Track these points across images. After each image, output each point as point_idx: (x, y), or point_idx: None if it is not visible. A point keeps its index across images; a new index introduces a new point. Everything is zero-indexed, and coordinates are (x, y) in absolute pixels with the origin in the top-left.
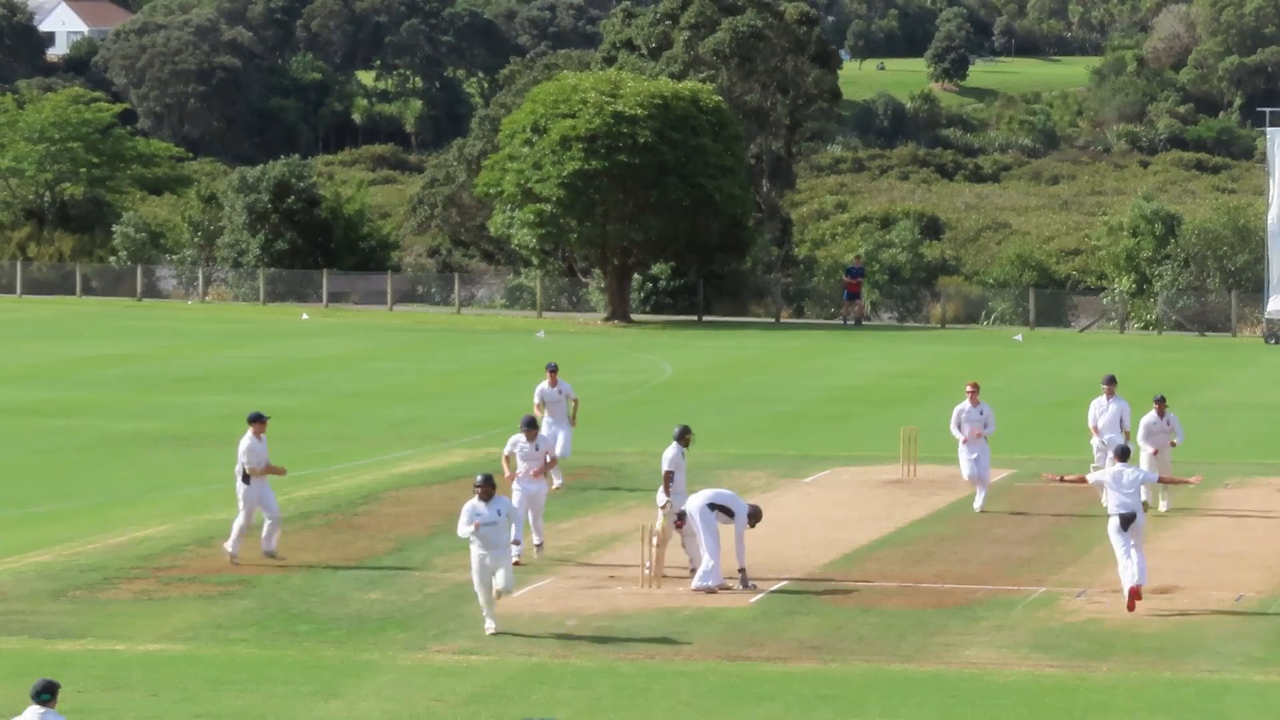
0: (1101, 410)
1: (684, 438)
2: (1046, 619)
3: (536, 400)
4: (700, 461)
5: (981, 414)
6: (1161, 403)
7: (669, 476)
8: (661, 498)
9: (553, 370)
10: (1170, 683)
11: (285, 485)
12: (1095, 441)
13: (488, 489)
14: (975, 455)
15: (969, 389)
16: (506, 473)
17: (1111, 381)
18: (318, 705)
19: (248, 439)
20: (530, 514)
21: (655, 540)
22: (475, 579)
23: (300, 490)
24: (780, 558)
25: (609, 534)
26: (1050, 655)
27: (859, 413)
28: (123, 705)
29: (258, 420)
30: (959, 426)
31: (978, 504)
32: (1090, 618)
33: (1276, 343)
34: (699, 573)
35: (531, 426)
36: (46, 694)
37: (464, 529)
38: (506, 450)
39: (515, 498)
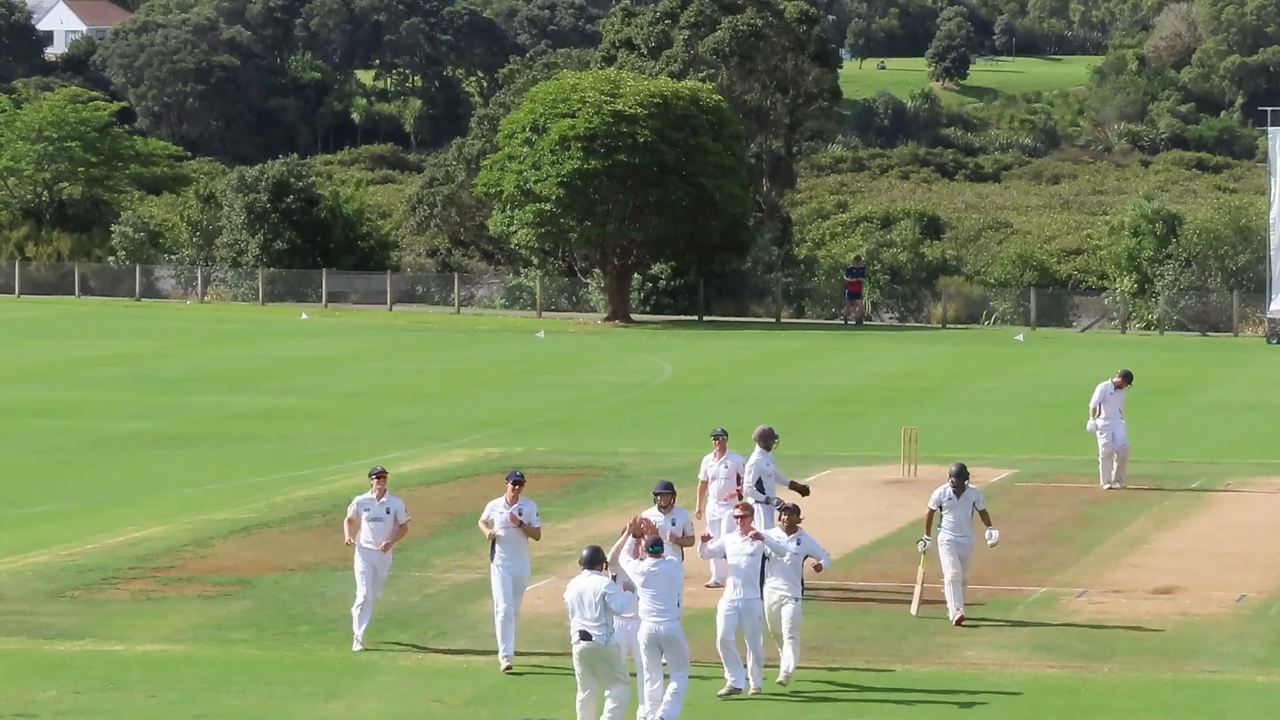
0: (1105, 396)
1: (959, 481)
2: (1047, 619)
3: (351, 513)
4: (699, 463)
5: (801, 544)
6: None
7: (932, 515)
8: (925, 541)
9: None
10: (1171, 683)
11: (285, 485)
12: (1092, 423)
13: None
14: (784, 602)
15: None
16: (347, 537)
17: (1128, 377)
18: (317, 706)
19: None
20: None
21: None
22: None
23: (300, 490)
24: None
25: (609, 534)
26: (1051, 656)
27: (859, 413)
28: (122, 706)
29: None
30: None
31: (785, 669)
32: (1091, 618)
33: (1278, 343)
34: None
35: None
36: (597, 559)
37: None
38: (351, 511)
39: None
